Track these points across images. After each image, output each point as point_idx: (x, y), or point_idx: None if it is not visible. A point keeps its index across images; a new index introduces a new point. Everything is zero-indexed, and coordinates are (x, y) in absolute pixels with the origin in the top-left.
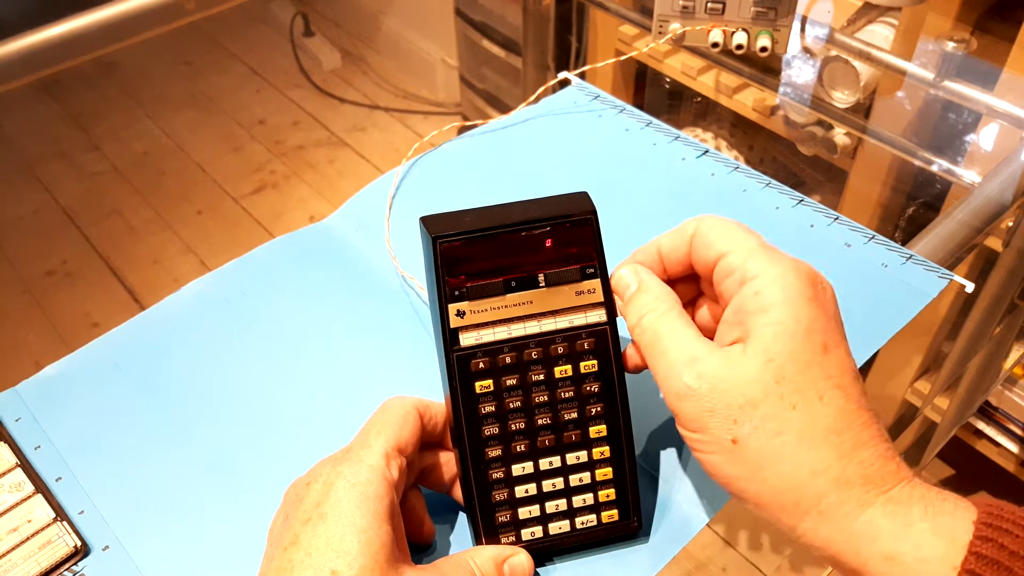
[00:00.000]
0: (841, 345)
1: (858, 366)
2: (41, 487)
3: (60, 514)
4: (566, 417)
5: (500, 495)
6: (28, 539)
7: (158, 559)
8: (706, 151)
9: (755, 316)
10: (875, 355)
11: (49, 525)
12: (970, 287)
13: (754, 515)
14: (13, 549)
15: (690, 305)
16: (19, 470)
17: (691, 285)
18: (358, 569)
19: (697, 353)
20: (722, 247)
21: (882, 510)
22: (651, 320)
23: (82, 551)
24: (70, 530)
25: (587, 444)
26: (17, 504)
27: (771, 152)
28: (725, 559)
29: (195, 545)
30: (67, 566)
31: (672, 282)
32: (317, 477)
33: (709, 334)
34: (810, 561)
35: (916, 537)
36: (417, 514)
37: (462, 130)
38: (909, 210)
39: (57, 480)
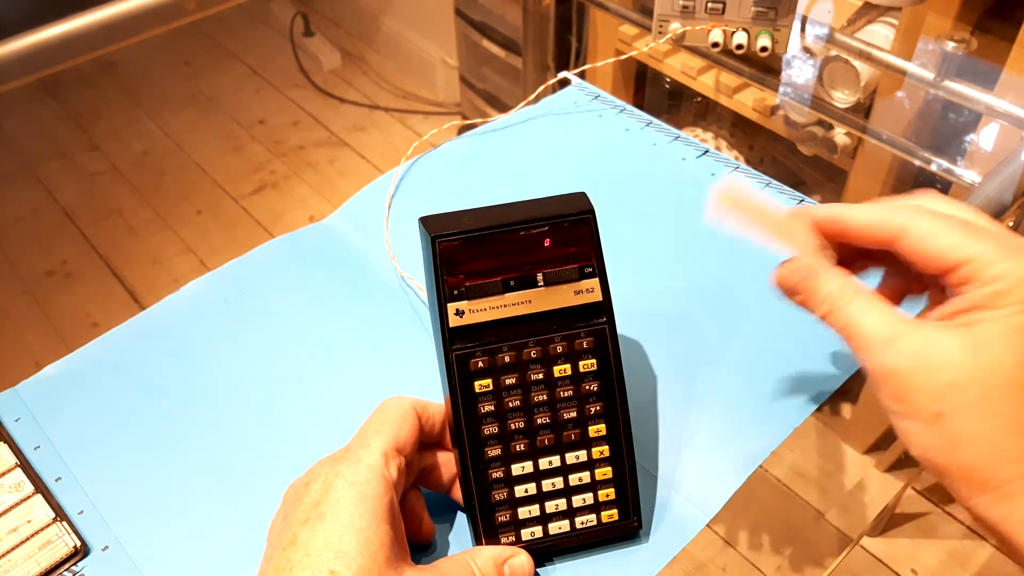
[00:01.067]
0: None
1: (859, 367)
2: (41, 487)
3: (60, 514)
4: (565, 416)
5: (500, 495)
6: (28, 539)
7: (158, 559)
8: (706, 151)
9: (987, 311)
10: None
11: (49, 525)
12: None
13: (931, 468)
14: (13, 549)
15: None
16: (19, 470)
17: (858, 258)
18: (356, 569)
19: (896, 330)
20: (957, 257)
21: None
22: (840, 307)
23: (82, 551)
24: (70, 530)
25: (586, 443)
26: (17, 504)
27: (771, 152)
28: (725, 559)
29: (195, 545)
30: (67, 566)
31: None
32: (316, 477)
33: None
34: (811, 561)
35: None
36: (417, 513)
37: (462, 130)
38: None
39: (57, 480)
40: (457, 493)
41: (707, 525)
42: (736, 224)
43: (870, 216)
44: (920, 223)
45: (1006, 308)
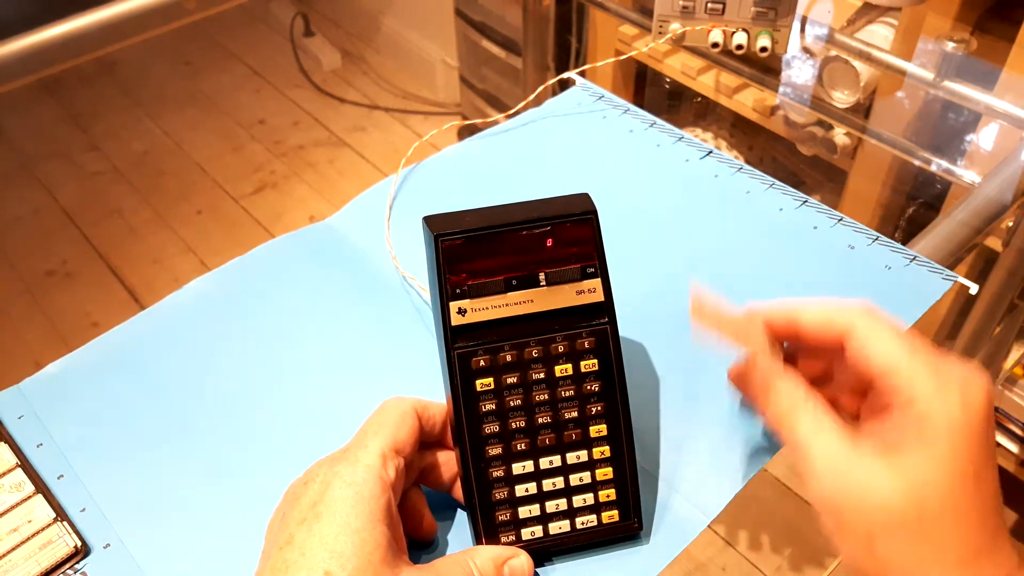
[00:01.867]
0: (991, 472)
1: None
2: (41, 487)
3: (60, 514)
4: (566, 416)
5: (500, 493)
6: (28, 539)
7: (159, 557)
8: (710, 152)
9: (914, 445)
10: None
11: (49, 525)
12: (974, 289)
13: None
14: (13, 549)
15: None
16: (19, 470)
17: (813, 361)
18: (351, 570)
19: (843, 463)
20: (889, 370)
21: None
22: (791, 426)
23: (82, 551)
24: (70, 530)
25: (587, 443)
26: (17, 504)
27: (771, 152)
28: (725, 559)
29: (196, 543)
30: (67, 566)
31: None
32: (314, 477)
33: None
34: (811, 561)
35: None
36: (418, 511)
37: (462, 130)
38: (909, 210)
39: (59, 478)
40: (458, 492)
41: (707, 526)
42: (703, 331)
43: (819, 317)
44: (866, 330)
45: (932, 441)
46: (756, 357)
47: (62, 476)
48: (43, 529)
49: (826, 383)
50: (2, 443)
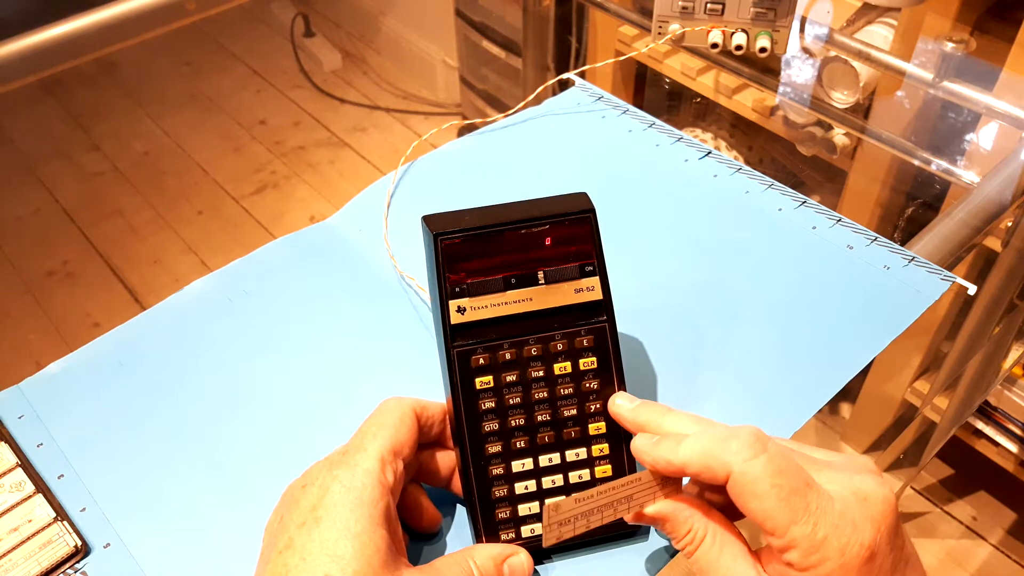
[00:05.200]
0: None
1: (859, 368)
2: (42, 487)
3: (60, 514)
4: (565, 414)
5: (500, 491)
6: (28, 539)
7: (159, 557)
8: (709, 152)
9: None
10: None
11: (49, 525)
12: (972, 290)
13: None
14: (13, 549)
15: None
16: (20, 470)
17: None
18: (351, 574)
19: None
20: (766, 525)
21: None
22: (693, 552)
23: (82, 551)
24: (70, 530)
25: (586, 441)
26: (18, 504)
27: (770, 152)
28: None
29: (195, 543)
30: (67, 566)
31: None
32: (313, 480)
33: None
34: None
35: None
36: (418, 504)
37: (462, 130)
38: (908, 210)
39: (59, 477)
40: (458, 485)
41: None
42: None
43: (700, 462)
44: (741, 483)
45: None
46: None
47: (62, 476)
48: (43, 529)
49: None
50: (2, 443)
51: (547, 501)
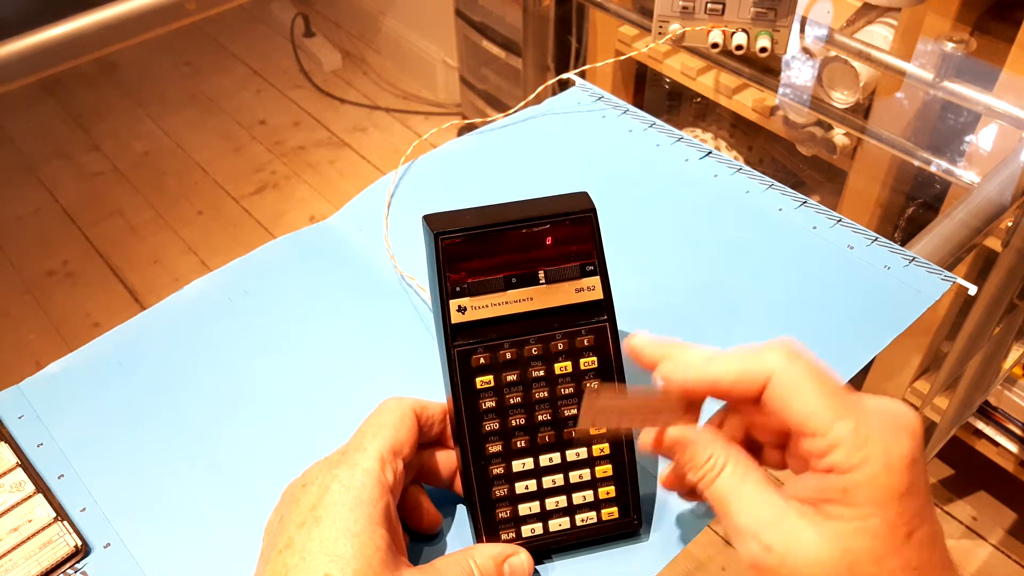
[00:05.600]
0: (925, 524)
1: (859, 368)
2: (42, 487)
3: (61, 514)
4: (566, 413)
5: (500, 491)
6: (28, 539)
7: (159, 556)
8: (709, 152)
9: (839, 507)
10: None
11: (49, 525)
12: (973, 290)
13: None
14: (14, 549)
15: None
16: (20, 470)
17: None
18: (351, 573)
19: (768, 519)
20: (811, 426)
21: None
22: (712, 481)
23: (82, 551)
24: (70, 530)
25: (587, 441)
26: (18, 504)
27: (770, 152)
28: (725, 559)
29: (195, 542)
30: (67, 566)
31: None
32: (312, 480)
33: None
34: None
35: None
36: (419, 505)
37: (462, 130)
38: (908, 210)
39: (59, 477)
40: (458, 486)
41: (707, 525)
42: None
43: (735, 368)
44: (784, 380)
45: (858, 508)
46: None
47: (62, 476)
48: (43, 529)
49: (751, 437)
50: (2, 443)
51: (587, 385)
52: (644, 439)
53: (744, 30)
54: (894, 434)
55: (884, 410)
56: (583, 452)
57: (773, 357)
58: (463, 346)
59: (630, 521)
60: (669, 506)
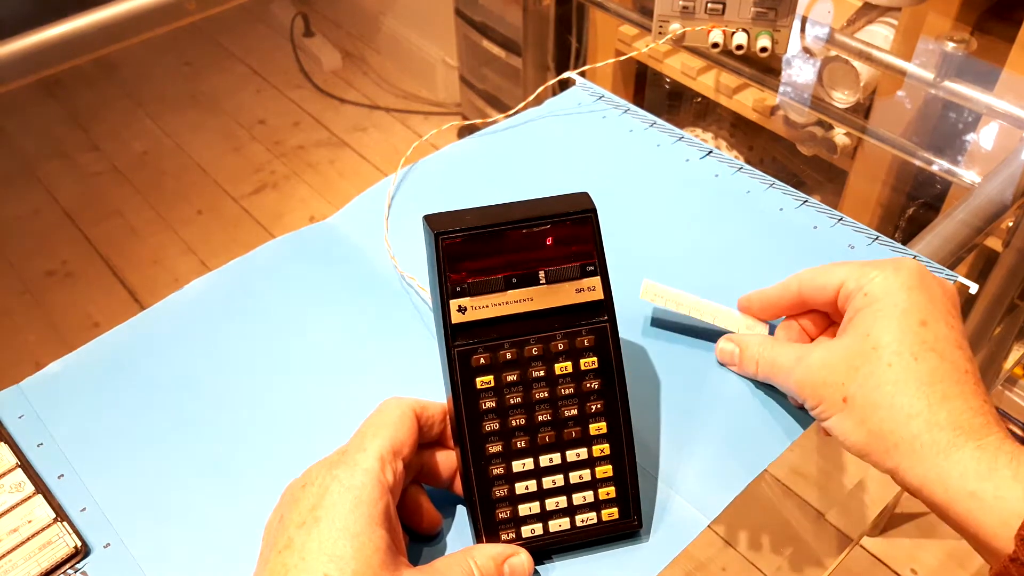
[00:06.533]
0: (942, 320)
1: None
2: (41, 487)
3: (60, 514)
4: (566, 413)
5: (500, 491)
6: (28, 539)
7: (159, 556)
8: (710, 151)
9: (863, 311)
10: None
11: (49, 525)
12: (974, 288)
13: (866, 462)
14: (13, 549)
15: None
16: (19, 470)
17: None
18: (350, 574)
19: (803, 350)
20: (834, 281)
21: (971, 454)
22: (762, 356)
23: (82, 551)
24: (70, 530)
25: (587, 441)
26: (17, 504)
27: (771, 152)
28: (725, 559)
29: (196, 542)
30: (67, 566)
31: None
32: (312, 480)
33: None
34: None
35: (998, 479)
36: (418, 505)
37: (462, 130)
38: (909, 210)
39: (59, 477)
40: (458, 486)
41: (707, 525)
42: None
43: (778, 288)
44: (805, 274)
45: (876, 303)
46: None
47: (62, 476)
48: (43, 529)
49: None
50: (2, 443)
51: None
52: (719, 348)
53: (744, 30)
54: (898, 260)
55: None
56: (583, 452)
57: (797, 275)
58: (463, 346)
59: (630, 522)
60: (669, 506)
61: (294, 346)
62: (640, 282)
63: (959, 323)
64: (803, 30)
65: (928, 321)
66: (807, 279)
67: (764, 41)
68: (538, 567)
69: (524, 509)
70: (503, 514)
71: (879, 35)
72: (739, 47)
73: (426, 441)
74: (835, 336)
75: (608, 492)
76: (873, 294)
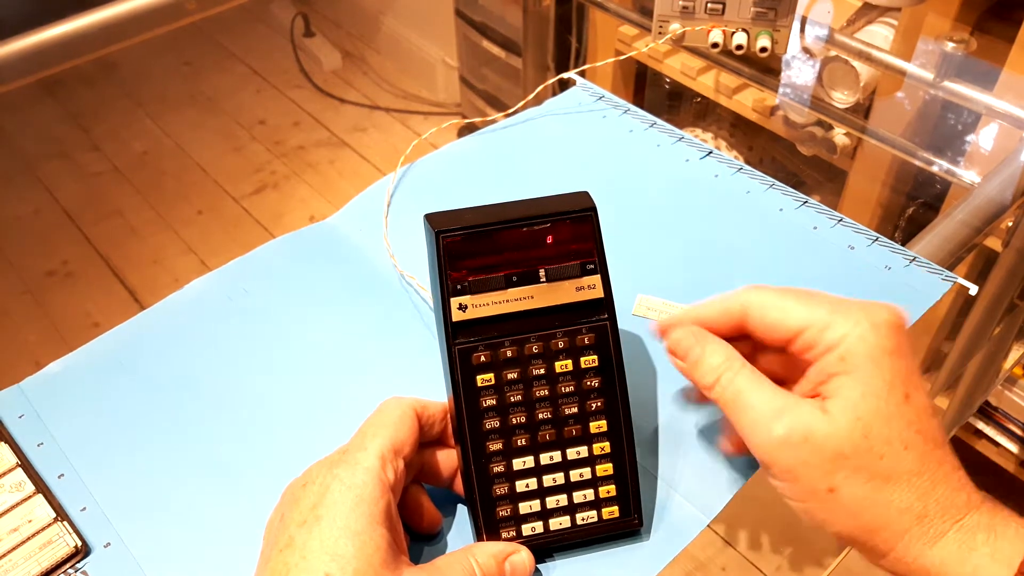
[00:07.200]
0: (920, 387)
1: None
2: (42, 487)
3: (60, 514)
4: (566, 412)
5: (501, 489)
6: (29, 539)
7: (159, 556)
8: (710, 152)
9: (841, 378)
10: None
11: (49, 525)
12: (974, 290)
13: (839, 543)
14: (13, 549)
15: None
16: (20, 470)
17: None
18: (351, 572)
19: (783, 404)
20: (792, 324)
21: (953, 538)
22: (729, 378)
23: (82, 551)
24: (70, 530)
25: (587, 439)
26: (18, 504)
27: (771, 152)
28: (725, 559)
29: (196, 542)
30: (68, 566)
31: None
32: (313, 479)
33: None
34: (811, 561)
35: (977, 560)
36: (419, 505)
37: (462, 130)
38: (909, 210)
39: (59, 477)
40: (459, 485)
41: (707, 525)
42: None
43: (709, 306)
44: (757, 298)
45: (857, 372)
46: (683, 325)
47: (62, 475)
48: (43, 529)
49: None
50: (2, 443)
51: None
52: (651, 326)
53: (744, 30)
54: (871, 306)
55: (854, 300)
56: (583, 451)
57: (742, 292)
58: (464, 344)
59: (630, 520)
60: (669, 506)
61: (294, 346)
62: (640, 282)
63: (920, 372)
64: (803, 30)
65: (911, 393)
66: (756, 311)
67: (764, 41)
68: (539, 566)
69: (525, 507)
70: (504, 512)
71: (879, 35)
72: (739, 47)
73: (427, 440)
74: (793, 388)
75: (608, 490)
76: (851, 360)
